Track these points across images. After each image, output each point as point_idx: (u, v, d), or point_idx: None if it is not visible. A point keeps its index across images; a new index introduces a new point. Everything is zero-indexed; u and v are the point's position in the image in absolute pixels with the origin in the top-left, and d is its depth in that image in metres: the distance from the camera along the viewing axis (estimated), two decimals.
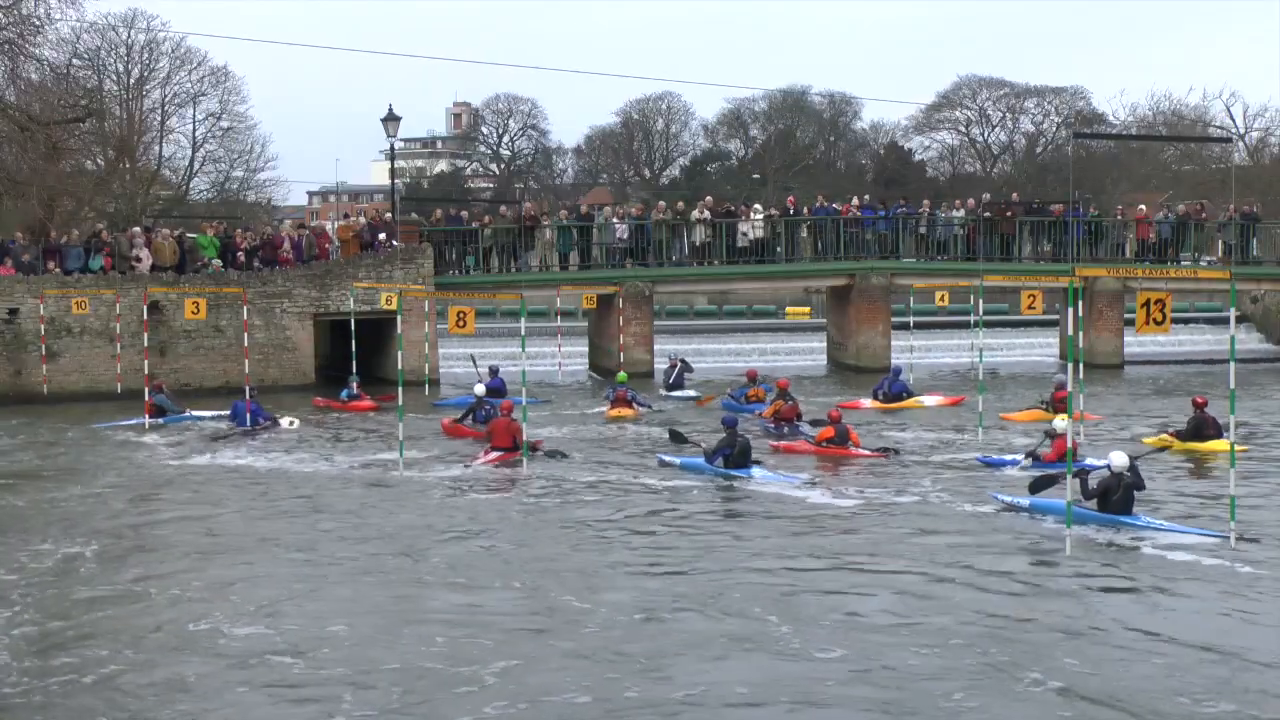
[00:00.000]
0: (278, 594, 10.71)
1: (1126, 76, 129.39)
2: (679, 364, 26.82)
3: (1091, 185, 54.80)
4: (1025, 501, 13.69)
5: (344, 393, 24.46)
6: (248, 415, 21.03)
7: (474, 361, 25.74)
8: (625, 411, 22.57)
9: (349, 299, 27.08)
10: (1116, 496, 12.87)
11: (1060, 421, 16.16)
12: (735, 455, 16.19)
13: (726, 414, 18.03)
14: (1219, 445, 16.62)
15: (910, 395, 24.05)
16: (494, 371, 24.63)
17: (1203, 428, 17.94)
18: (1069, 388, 12.52)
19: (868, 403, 23.75)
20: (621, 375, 24.97)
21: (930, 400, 24.13)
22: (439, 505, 14.60)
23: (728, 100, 77.76)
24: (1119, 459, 13.02)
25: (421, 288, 27.96)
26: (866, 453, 17.72)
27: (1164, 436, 18.29)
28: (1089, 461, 15.08)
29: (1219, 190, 45.22)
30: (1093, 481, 13.09)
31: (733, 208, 34.24)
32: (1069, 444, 12.03)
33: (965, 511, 13.83)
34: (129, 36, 46.76)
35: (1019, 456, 16.85)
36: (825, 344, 34.40)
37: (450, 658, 8.96)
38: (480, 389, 21.12)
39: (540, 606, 10.22)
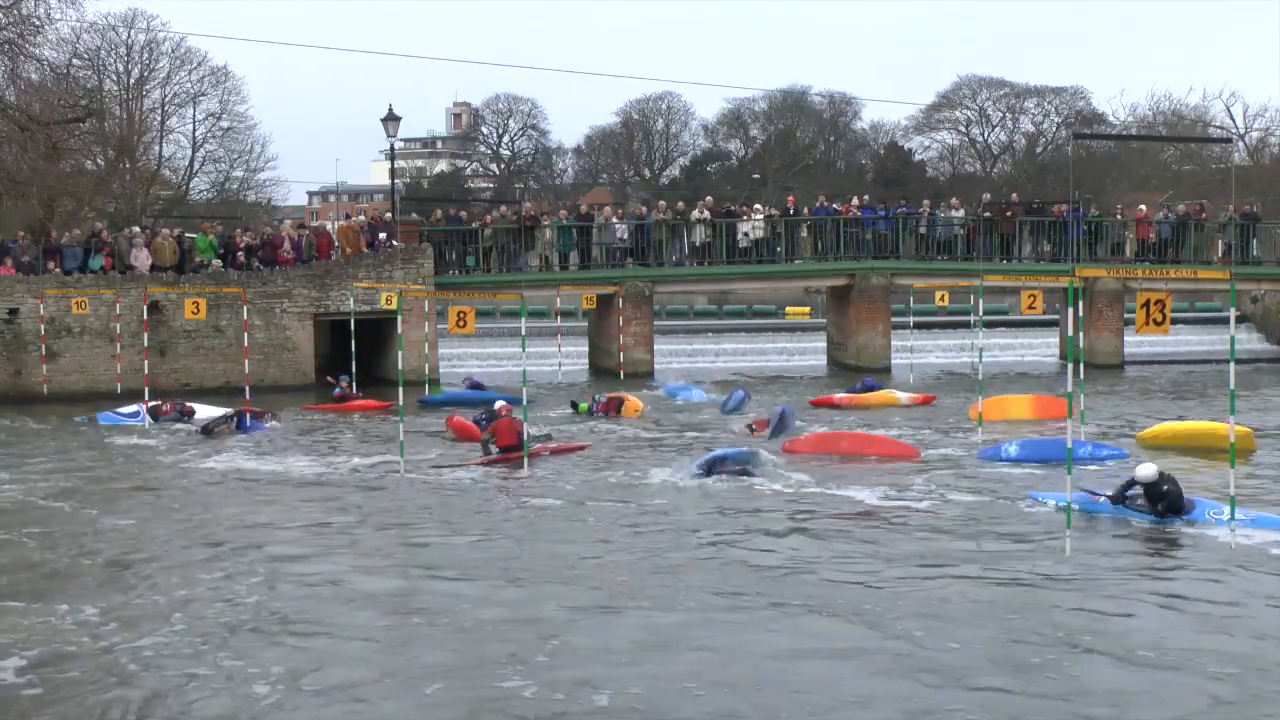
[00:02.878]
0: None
1: (1126, 76, 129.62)
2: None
3: (1091, 185, 54.80)
4: (1060, 498, 13.50)
5: (335, 390, 24.56)
6: (248, 417, 21.01)
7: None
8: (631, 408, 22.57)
9: (349, 299, 27.08)
10: (1163, 505, 12.79)
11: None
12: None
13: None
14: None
15: (883, 388, 24.60)
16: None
17: None
18: (1069, 387, 12.49)
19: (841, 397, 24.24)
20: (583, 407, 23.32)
21: (904, 395, 24.28)
22: (490, 513, 14.30)
23: (728, 100, 77.97)
24: (1144, 471, 12.90)
25: (421, 288, 27.96)
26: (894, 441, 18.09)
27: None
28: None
29: (1219, 190, 45.21)
30: (1137, 499, 13.00)
31: (733, 208, 34.26)
32: (1069, 443, 12.00)
33: (964, 510, 13.82)
34: (129, 36, 46.89)
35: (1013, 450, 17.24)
36: (825, 344, 34.41)
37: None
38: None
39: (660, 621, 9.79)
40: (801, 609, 10.02)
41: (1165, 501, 12.78)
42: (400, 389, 17.24)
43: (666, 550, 12.13)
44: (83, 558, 12.26)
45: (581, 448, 18.58)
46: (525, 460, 16.80)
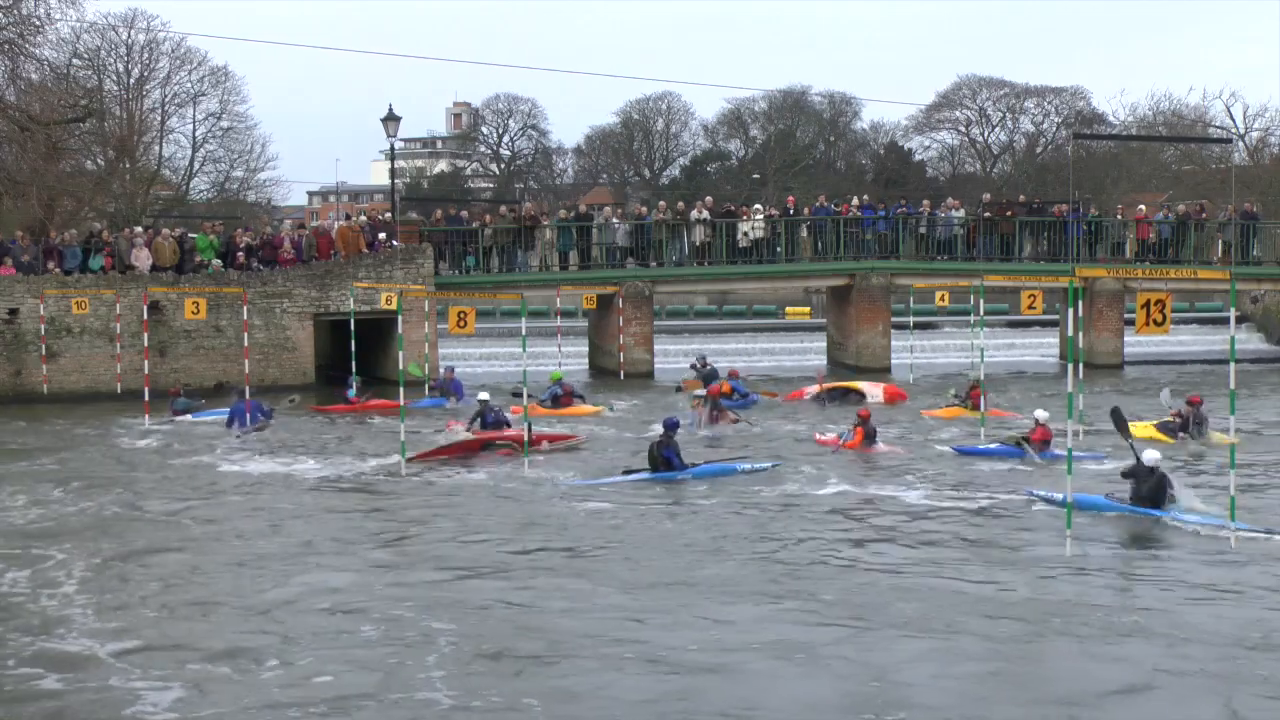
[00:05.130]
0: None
1: (1126, 76, 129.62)
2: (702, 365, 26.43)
3: (1091, 185, 54.76)
4: (1059, 496, 13.52)
5: (350, 392, 24.37)
6: (246, 416, 20.97)
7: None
8: (582, 409, 22.54)
9: (349, 299, 27.06)
10: (1145, 489, 13.18)
11: (1041, 411, 17.49)
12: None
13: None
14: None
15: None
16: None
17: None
18: (1068, 387, 12.52)
19: (811, 390, 24.61)
20: (555, 373, 24.06)
21: (873, 389, 24.28)
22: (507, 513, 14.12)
23: (728, 100, 77.86)
24: (1150, 454, 13.43)
25: (421, 288, 27.96)
26: (894, 448, 18.06)
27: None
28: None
29: (1219, 190, 45.18)
30: (1123, 467, 13.71)
31: (733, 208, 34.26)
32: (1069, 443, 12.00)
33: (960, 510, 13.82)
34: (129, 36, 46.76)
35: (994, 445, 17.67)
36: (825, 344, 34.40)
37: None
38: (485, 395, 21.00)
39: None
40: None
41: (1149, 486, 13.16)
42: (401, 389, 17.27)
43: (749, 553, 11.91)
44: (206, 584, 11.22)
45: (571, 439, 18.67)
46: (526, 461, 16.82)
